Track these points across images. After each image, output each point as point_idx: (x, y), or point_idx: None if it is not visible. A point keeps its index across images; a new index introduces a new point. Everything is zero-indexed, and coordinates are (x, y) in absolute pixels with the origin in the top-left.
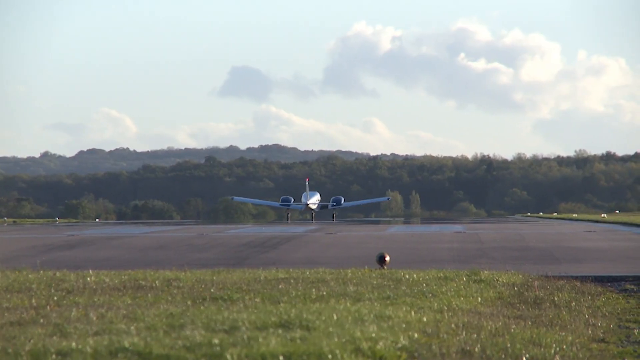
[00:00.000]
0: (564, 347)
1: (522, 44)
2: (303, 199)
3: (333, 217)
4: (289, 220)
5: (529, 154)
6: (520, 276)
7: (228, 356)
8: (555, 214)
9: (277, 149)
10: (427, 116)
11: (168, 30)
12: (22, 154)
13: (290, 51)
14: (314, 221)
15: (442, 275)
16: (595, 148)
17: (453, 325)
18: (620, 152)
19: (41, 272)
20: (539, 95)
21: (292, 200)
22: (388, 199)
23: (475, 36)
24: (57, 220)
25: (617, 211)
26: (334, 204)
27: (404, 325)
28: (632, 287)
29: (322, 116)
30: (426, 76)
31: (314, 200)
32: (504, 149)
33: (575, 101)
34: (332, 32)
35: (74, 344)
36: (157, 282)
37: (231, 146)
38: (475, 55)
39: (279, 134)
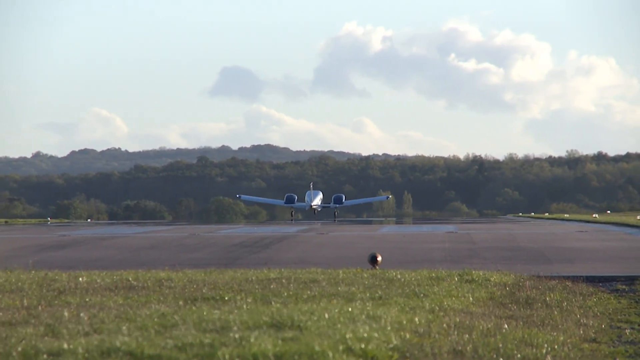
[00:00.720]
0: (556, 347)
1: (513, 44)
2: (307, 199)
3: (334, 215)
4: (293, 218)
5: (520, 154)
6: (512, 276)
7: (220, 356)
8: (546, 214)
9: (269, 149)
10: (418, 116)
11: (158, 30)
12: (14, 154)
13: (281, 51)
14: (316, 221)
15: (433, 275)
16: (586, 148)
17: (445, 326)
18: (611, 152)
19: (33, 272)
20: (530, 95)
21: (296, 198)
22: (387, 197)
23: (466, 36)
24: (48, 221)
25: (609, 211)
26: (336, 204)
27: (395, 326)
28: (624, 287)
29: (312, 116)
30: (417, 76)
31: (317, 200)
32: (495, 149)
33: (565, 101)
34: (322, 32)
35: (65, 344)
36: (148, 282)
37: (223, 146)
38: (465, 56)
39: (270, 134)
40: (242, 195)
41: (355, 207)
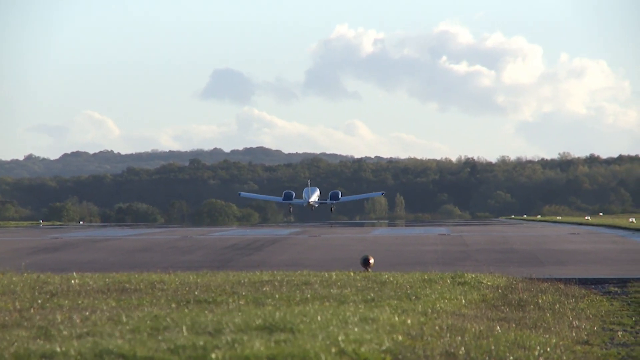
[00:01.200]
0: (548, 349)
1: (504, 46)
2: (305, 196)
3: (331, 210)
4: (291, 212)
5: (512, 156)
6: (505, 278)
7: (212, 359)
8: (539, 216)
9: (262, 151)
10: (410, 119)
11: (150, 33)
12: (6, 156)
13: (272, 53)
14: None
15: (426, 277)
16: (578, 150)
17: (437, 328)
18: (603, 155)
19: (25, 274)
20: (521, 98)
21: (294, 195)
22: (382, 193)
23: (457, 39)
24: (41, 223)
25: (601, 214)
26: (333, 200)
27: (388, 328)
28: (616, 289)
29: (304, 119)
30: (408, 79)
31: (314, 197)
32: (487, 151)
33: (557, 104)
34: (314, 34)
35: (57, 346)
36: (141, 284)
37: (215, 149)
38: (457, 58)
39: (262, 136)
40: (242, 192)
41: (348, 210)
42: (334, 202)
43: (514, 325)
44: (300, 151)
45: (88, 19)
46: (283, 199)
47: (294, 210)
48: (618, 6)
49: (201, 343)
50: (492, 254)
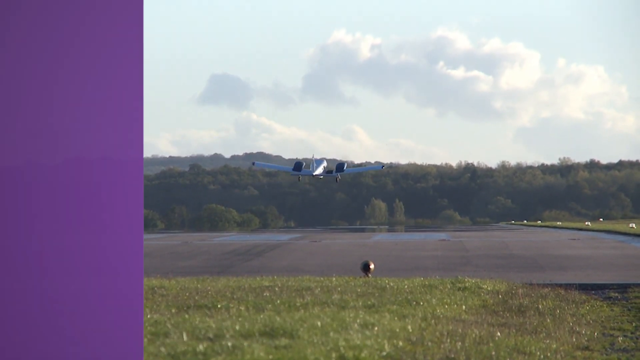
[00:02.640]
0: (548, 354)
1: (502, 52)
2: (311, 168)
3: (336, 180)
4: (300, 181)
5: (512, 162)
6: (505, 284)
7: None
8: (539, 222)
9: (262, 156)
10: (408, 124)
11: (147, 37)
12: None
13: (270, 59)
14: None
15: (426, 283)
16: (578, 156)
17: (437, 333)
18: (603, 160)
19: None
20: (519, 103)
21: (303, 164)
22: (382, 166)
23: (455, 44)
24: None
25: (601, 219)
26: (338, 172)
27: (388, 333)
28: (616, 294)
29: (302, 124)
30: (405, 84)
31: (320, 169)
32: (486, 157)
33: (555, 109)
34: (311, 39)
35: None
36: None
37: (215, 154)
38: (454, 64)
39: (260, 141)
40: (257, 162)
41: (348, 216)
42: (339, 173)
43: (514, 330)
44: (301, 156)
45: None
46: (293, 169)
47: (302, 179)
48: (615, 12)
49: (201, 348)
50: (493, 260)
